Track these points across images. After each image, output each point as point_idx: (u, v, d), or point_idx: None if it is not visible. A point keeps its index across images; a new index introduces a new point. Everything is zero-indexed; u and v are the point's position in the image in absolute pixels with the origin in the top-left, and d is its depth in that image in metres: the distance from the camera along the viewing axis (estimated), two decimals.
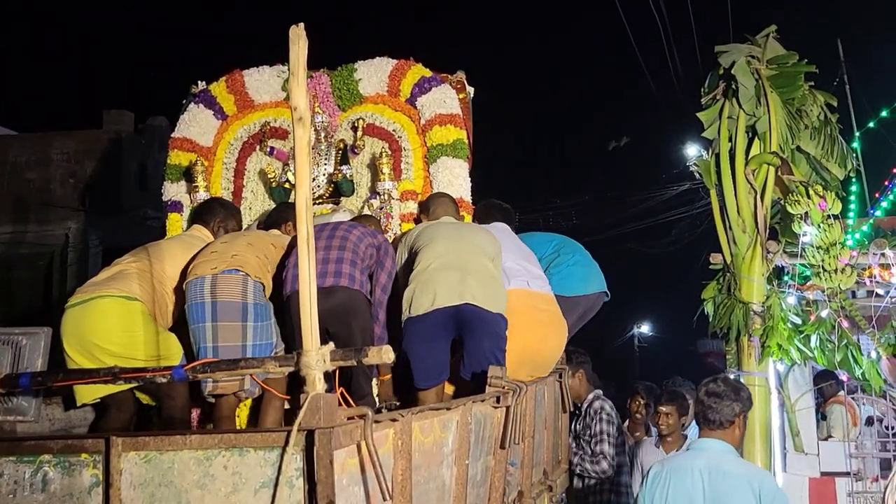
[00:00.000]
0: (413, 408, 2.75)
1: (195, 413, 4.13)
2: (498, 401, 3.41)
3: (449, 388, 4.01)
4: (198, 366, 2.31)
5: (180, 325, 3.91)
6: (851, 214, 8.22)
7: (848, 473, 6.40)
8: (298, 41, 2.15)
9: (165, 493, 2.11)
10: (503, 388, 3.43)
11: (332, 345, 2.15)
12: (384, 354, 2.18)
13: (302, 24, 2.16)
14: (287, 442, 2.02)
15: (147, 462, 2.13)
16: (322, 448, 1.99)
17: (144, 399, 3.97)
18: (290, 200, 4.58)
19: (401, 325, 3.98)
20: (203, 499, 2.09)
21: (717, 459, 3.37)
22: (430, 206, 4.56)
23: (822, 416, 7.09)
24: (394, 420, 2.42)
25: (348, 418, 2.16)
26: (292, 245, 4.08)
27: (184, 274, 3.89)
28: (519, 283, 4.30)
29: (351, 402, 3.10)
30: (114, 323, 3.71)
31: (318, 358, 2.11)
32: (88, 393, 3.70)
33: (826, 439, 6.79)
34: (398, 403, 3.92)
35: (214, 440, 2.11)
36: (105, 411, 3.91)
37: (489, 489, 3.40)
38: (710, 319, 6.71)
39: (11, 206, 12.89)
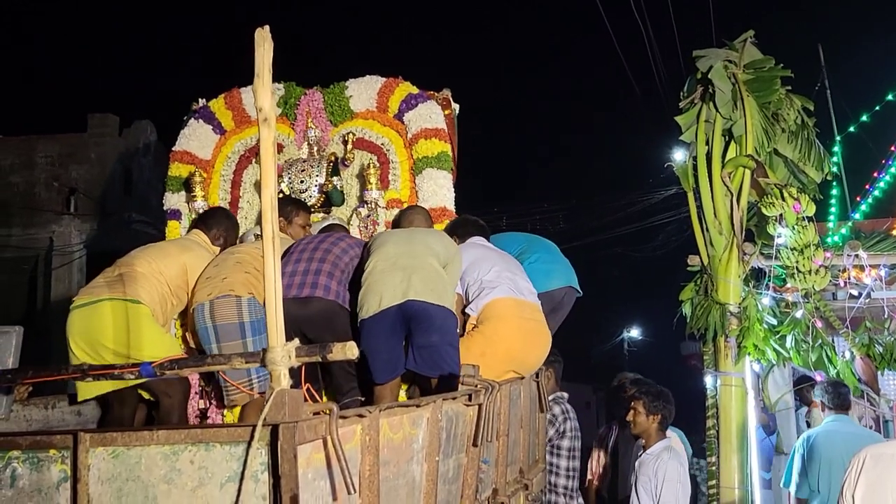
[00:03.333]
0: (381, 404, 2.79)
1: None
2: (470, 399, 3.45)
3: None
4: (165, 362, 2.34)
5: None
6: (832, 217, 8.30)
7: None
8: (264, 43, 2.18)
9: (132, 488, 2.13)
10: (475, 386, 3.47)
11: (297, 341, 2.19)
12: (348, 351, 2.22)
13: (267, 27, 2.19)
14: (252, 437, 2.06)
15: (115, 457, 2.15)
16: (286, 442, 2.02)
17: (146, 396, 4.17)
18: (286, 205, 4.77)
19: None
20: (169, 493, 2.11)
21: (852, 428, 5.36)
22: (398, 220, 4.76)
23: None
24: (361, 416, 2.45)
25: (315, 413, 2.20)
26: (286, 250, 4.28)
27: (191, 291, 4.16)
28: (505, 292, 4.37)
29: (318, 398, 3.14)
30: (121, 326, 3.91)
31: (283, 354, 2.15)
32: (87, 390, 3.92)
33: None
34: (363, 399, 3.98)
35: (181, 435, 2.14)
36: (109, 407, 4.13)
37: (462, 486, 3.43)
38: (688, 320, 6.77)
39: None
